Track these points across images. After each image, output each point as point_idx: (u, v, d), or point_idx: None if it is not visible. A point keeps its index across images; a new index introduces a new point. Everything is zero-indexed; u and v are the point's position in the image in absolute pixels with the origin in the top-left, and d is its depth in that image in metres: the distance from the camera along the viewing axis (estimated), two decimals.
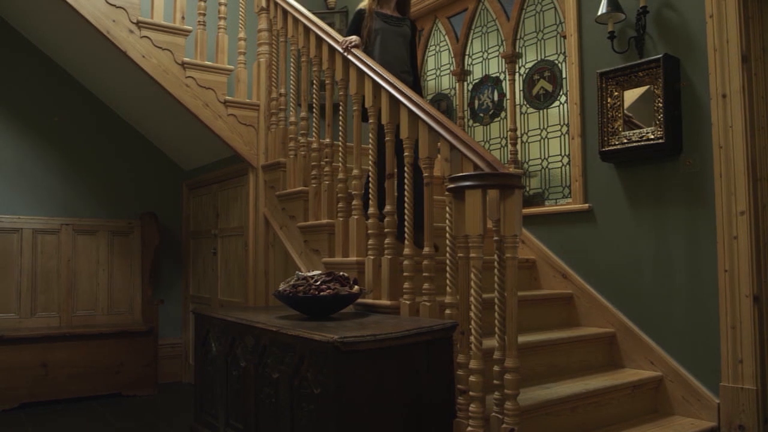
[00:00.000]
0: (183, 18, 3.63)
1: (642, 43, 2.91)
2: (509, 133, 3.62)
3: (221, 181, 4.18)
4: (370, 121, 2.82)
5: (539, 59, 3.59)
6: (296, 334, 2.09)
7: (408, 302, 2.49)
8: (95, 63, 4.00)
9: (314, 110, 3.39)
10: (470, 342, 2.05)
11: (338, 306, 2.50)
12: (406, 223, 2.55)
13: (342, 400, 1.89)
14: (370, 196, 2.77)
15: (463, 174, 2.14)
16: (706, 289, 2.66)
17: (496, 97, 3.87)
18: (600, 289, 3.10)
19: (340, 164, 2.97)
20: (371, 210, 2.74)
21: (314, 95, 3.39)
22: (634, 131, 2.88)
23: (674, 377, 2.73)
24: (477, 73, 4.00)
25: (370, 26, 3.17)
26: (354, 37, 2.98)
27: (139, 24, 3.43)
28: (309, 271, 2.65)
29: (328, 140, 3.13)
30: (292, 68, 3.63)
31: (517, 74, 3.69)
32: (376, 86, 2.75)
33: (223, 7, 3.75)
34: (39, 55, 4.29)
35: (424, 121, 2.45)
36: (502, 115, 3.80)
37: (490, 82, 3.91)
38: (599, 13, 2.96)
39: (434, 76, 4.32)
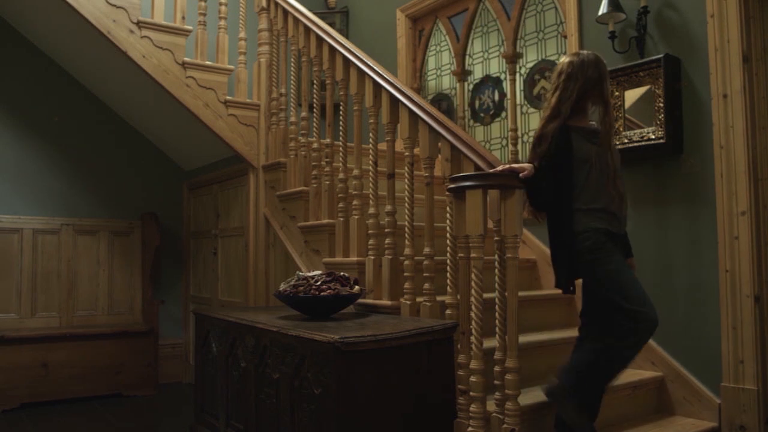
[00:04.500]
0: (183, 18, 3.63)
1: (643, 43, 2.91)
2: (510, 133, 3.61)
3: (222, 182, 4.17)
4: (370, 121, 2.82)
5: (540, 59, 3.59)
6: (297, 334, 2.08)
7: (408, 302, 2.49)
8: (96, 63, 4.00)
9: (314, 110, 3.39)
10: (471, 342, 2.05)
11: (339, 306, 2.50)
12: None
13: (343, 401, 1.89)
14: None
15: (464, 174, 2.14)
16: (706, 289, 2.66)
17: (496, 97, 3.86)
18: None
19: (341, 164, 2.97)
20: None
21: (314, 95, 3.39)
22: (635, 131, 2.88)
23: (675, 377, 2.73)
24: (478, 73, 3.99)
25: (573, 152, 2.12)
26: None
27: (139, 24, 3.43)
28: (309, 272, 2.65)
29: (328, 140, 3.13)
30: (292, 68, 3.63)
31: (517, 74, 3.69)
32: (377, 86, 2.75)
33: (223, 7, 3.74)
34: (39, 54, 4.29)
35: (424, 121, 2.45)
36: (503, 115, 3.80)
37: (490, 82, 3.91)
38: (600, 13, 2.96)
39: (435, 76, 4.32)
